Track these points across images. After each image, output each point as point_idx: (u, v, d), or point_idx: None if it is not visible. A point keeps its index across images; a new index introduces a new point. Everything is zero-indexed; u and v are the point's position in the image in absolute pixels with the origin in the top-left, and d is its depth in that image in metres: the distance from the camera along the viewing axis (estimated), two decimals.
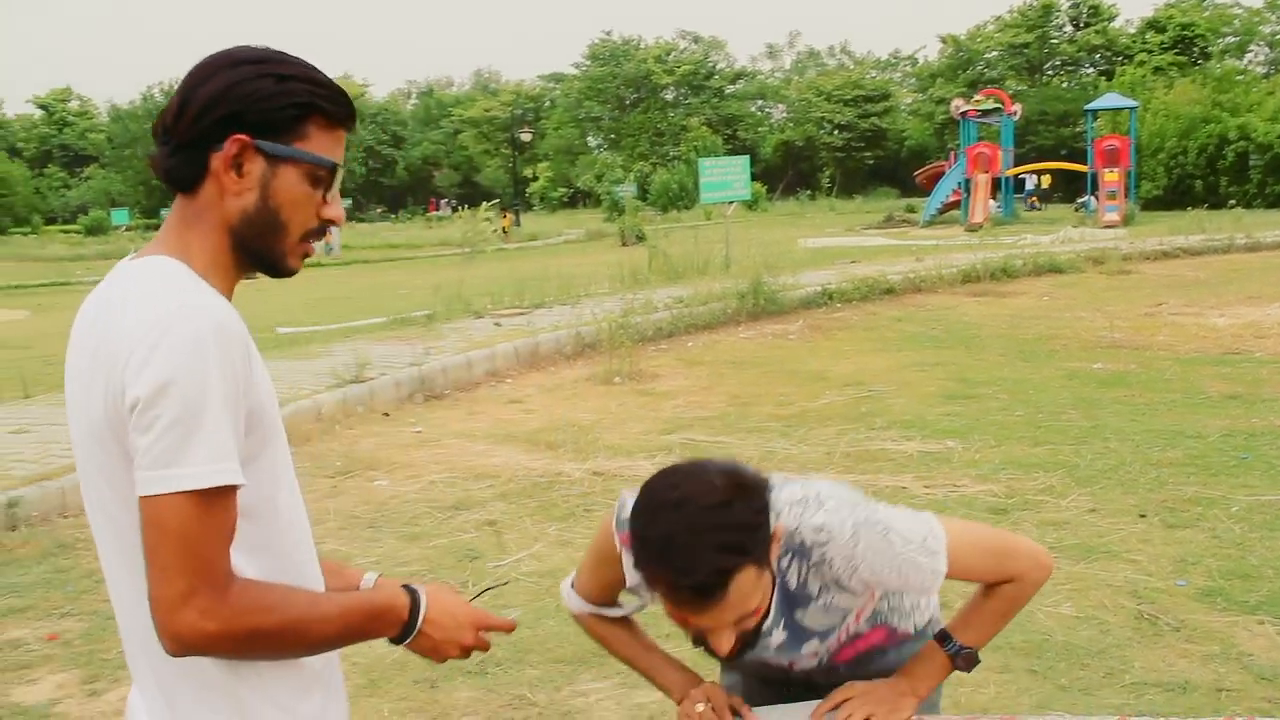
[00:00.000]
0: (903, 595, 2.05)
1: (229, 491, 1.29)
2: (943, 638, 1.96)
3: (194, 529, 1.25)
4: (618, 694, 3.91)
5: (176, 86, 1.42)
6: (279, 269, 1.47)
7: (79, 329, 1.42)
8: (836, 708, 1.94)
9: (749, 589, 1.65)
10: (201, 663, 1.37)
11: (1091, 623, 4.32)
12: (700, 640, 1.76)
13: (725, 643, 1.72)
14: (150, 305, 1.30)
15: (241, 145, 1.38)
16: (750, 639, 1.83)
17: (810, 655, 1.99)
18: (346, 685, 1.69)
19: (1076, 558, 5.02)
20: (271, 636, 1.33)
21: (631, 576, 1.93)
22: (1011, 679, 3.88)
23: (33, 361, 11.14)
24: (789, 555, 1.84)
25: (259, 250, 1.44)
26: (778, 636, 1.93)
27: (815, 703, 1.99)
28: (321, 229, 1.48)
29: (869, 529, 1.79)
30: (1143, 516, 5.53)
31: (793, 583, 1.87)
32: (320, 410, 8.30)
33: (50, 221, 70.77)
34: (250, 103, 1.38)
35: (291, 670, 1.45)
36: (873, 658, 2.05)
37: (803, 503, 1.82)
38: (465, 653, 1.62)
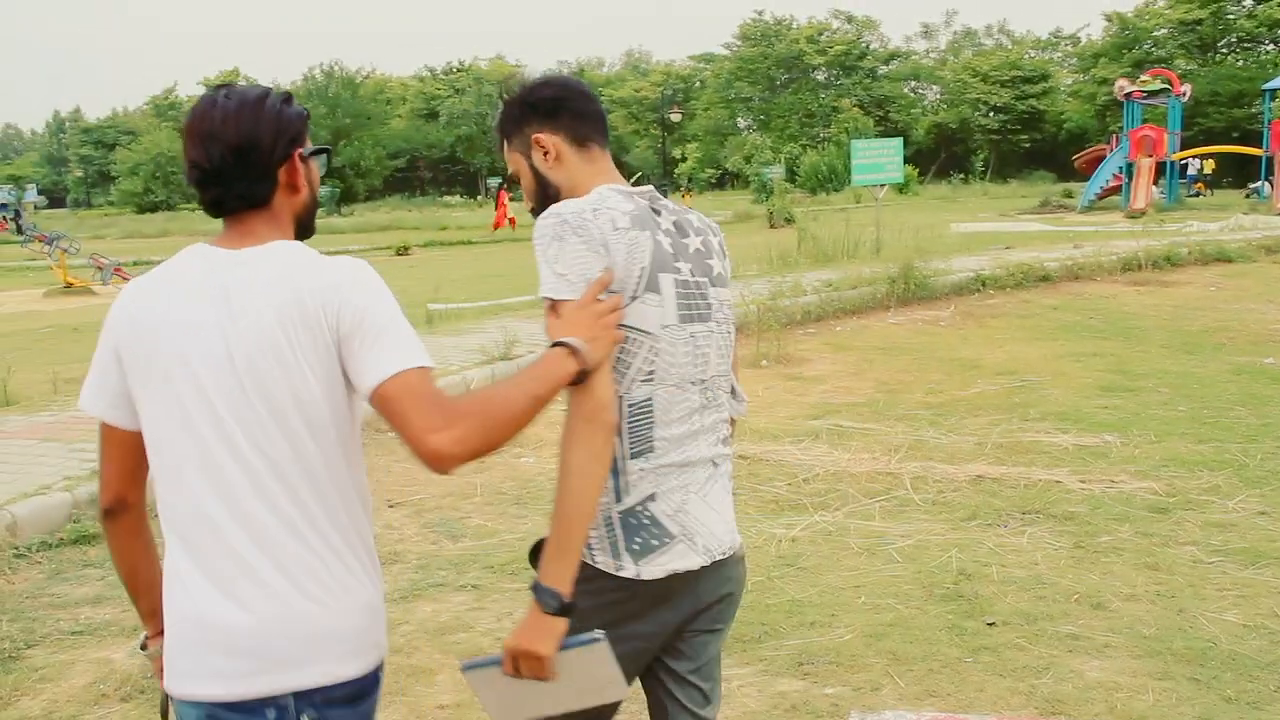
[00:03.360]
0: None
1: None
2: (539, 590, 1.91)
3: (432, 388, 1.77)
4: (759, 681, 3.89)
5: (202, 135, 1.83)
6: (311, 233, 1.99)
7: (231, 299, 1.79)
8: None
9: (514, 158, 2.20)
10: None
11: (1261, 632, 4.12)
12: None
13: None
14: (332, 265, 1.83)
15: (301, 158, 1.91)
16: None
17: None
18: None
19: (1244, 563, 4.79)
20: (499, 421, 1.81)
21: None
22: (1172, 687, 3.73)
23: None
24: None
25: (309, 225, 1.99)
26: None
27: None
28: None
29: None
30: None
31: None
32: (468, 386, 8.45)
33: None
34: (291, 126, 1.88)
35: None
36: None
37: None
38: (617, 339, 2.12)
